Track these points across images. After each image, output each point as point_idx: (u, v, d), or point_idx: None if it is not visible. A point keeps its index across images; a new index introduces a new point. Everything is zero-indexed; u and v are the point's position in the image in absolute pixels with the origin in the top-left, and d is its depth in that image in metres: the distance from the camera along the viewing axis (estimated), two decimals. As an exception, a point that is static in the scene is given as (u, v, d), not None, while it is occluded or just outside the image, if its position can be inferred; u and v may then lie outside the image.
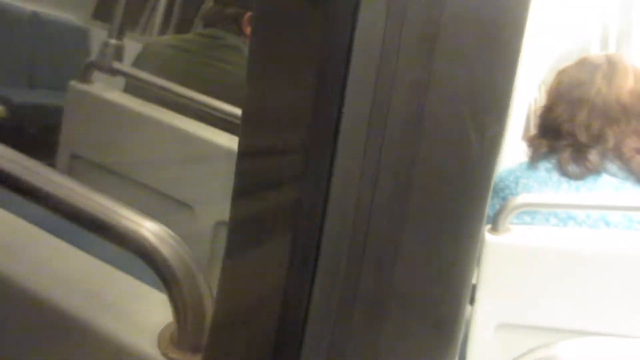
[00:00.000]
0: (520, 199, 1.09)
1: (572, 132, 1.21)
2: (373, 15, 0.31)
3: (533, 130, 1.35)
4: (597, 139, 1.19)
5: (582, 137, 1.20)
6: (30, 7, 3.33)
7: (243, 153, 0.35)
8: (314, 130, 0.31)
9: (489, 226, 1.07)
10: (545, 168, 1.24)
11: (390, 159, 0.31)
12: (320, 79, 0.31)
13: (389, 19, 0.31)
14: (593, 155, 1.18)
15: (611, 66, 1.24)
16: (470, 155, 0.32)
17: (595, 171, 1.18)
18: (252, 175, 0.35)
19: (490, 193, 0.35)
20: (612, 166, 1.18)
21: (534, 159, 1.26)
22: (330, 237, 0.32)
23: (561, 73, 1.31)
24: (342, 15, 0.31)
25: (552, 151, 1.24)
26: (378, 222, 0.31)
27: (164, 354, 0.42)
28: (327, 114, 0.31)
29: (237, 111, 1.28)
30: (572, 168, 1.19)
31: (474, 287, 1.05)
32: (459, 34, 0.31)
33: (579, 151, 1.20)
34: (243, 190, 0.35)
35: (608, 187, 1.17)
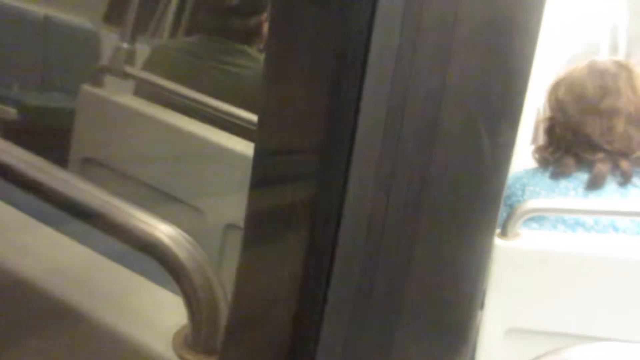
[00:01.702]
0: (530, 204, 1.09)
1: (611, 142, 1.17)
2: (388, 23, 0.31)
3: (548, 145, 1.27)
4: (634, 147, 1.17)
5: (621, 146, 1.16)
6: (42, 11, 3.37)
7: (259, 155, 0.36)
8: (329, 135, 0.32)
9: (498, 231, 1.07)
10: (551, 174, 1.22)
11: (404, 164, 0.32)
12: (336, 84, 0.32)
13: (404, 26, 0.31)
14: (626, 165, 1.16)
15: (628, 72, 1.21)
16: (483, 161, 0.32)
17: (627, 179, 1.15)
18: (268, 178, 0.36)
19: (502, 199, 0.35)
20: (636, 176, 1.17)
21: (555, 173, 1.22)
22: (345, 241, 0.32)
23: (572, 81, 1.25)
24: (357, 22, 0.32)
25: (580, 164, 1.19)
26: (392, 226, 0.32)
27: (179, 356, 0.43)
28: (342, 119, 0.32)
29: (246, 114, 1.28)
30: (612, 177, 1.16)
31: (484, 292, 1.05)
32: (473, 41, 0.32)
33: (615, 162, 1.17)
34: (259, 192, 0.36)
35: (616, 193, 1.17)
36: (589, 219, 1.15)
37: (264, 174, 0.36)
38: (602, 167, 1.17)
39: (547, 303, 1.04)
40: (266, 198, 0.36)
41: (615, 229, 1.13)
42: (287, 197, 0.34)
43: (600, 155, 1.18)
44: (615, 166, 1.16)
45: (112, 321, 0.45)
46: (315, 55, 0.33)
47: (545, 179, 1.24)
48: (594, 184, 1.17)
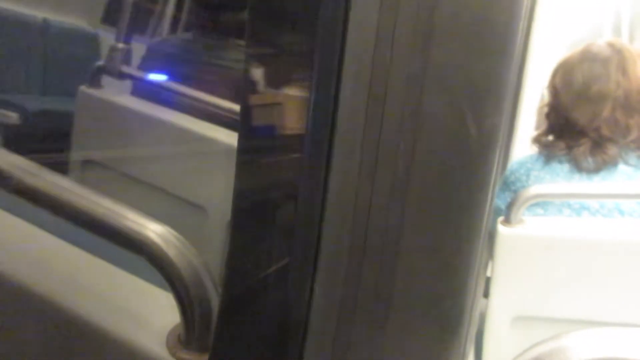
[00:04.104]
0: (533, 190, 1.08)
1: (597, 129, 1.17)
2: (366, 8, 0.31)
3: (542, 127, 1.31)
4: (622, 132, 1.17)
5: (607, 132, 1.17)
6: (41, 14, 3.37)
7: (242, 152, 0.35)
8: (309, 125, 0.31)
9: (502, 218, 1.06)
10: (557, 160, 1.22)
11: (387, 153, 0.31)
12: (314, 74, 0.31)
13: (382, 10, 0.30)
14: (612, 149, 1.16)
15: (620, 55, 1.21)
16: (469, 147, 0.32)
17: (613, 163, 1.16)
18: (251, 175, 0.35)
19: (497, 185, 0.34)
20: (631, 156, 1.16)
21: (548, 156, 1.23)
22: (330, 235, 0.31)
23: (566, 68, 1.26)
24: (334, 9, 0.31)
25: (570, 149, 1.21)
26: (377, 218, 0.31)
27: (172, 354, 0.42)
28: (321, 108, 0.31)
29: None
30: (588, 162, 1.17)
31: (489, 280, 1.04)
32: (454, 24, 0.31)
33: (599, 145, 1.17)
34: (243, 190, 0.35)
35: (622, 176, 1.16)
36: (594, 203, 1.14)
37: (247, 173, 0.35)
38: (577, 151, 1.19)
39: (553, 290, 1.03)
40: (250, 197, 0.35)
41: (621, 212, 1.12)
42: (270, 195, 0.34)
43: (584, 140, 1.19)
44: (598, 151, 1.17)
45: (105, 320, 0.44)
46: (293, 45, 0.32)
47: (550, 164, 1.23)
48: (578, 169, 1.19)
